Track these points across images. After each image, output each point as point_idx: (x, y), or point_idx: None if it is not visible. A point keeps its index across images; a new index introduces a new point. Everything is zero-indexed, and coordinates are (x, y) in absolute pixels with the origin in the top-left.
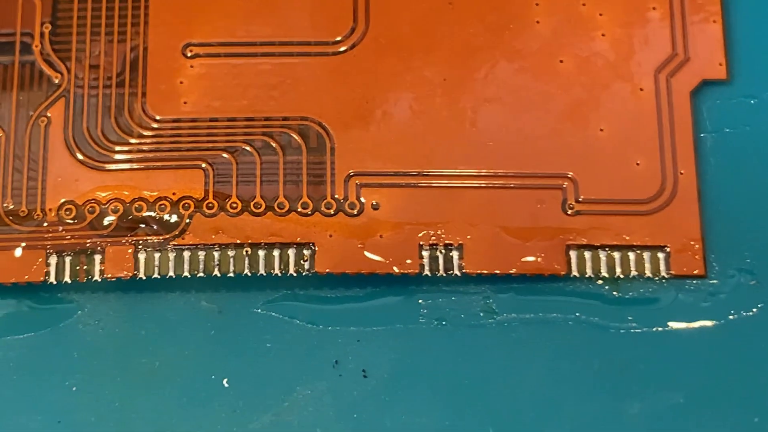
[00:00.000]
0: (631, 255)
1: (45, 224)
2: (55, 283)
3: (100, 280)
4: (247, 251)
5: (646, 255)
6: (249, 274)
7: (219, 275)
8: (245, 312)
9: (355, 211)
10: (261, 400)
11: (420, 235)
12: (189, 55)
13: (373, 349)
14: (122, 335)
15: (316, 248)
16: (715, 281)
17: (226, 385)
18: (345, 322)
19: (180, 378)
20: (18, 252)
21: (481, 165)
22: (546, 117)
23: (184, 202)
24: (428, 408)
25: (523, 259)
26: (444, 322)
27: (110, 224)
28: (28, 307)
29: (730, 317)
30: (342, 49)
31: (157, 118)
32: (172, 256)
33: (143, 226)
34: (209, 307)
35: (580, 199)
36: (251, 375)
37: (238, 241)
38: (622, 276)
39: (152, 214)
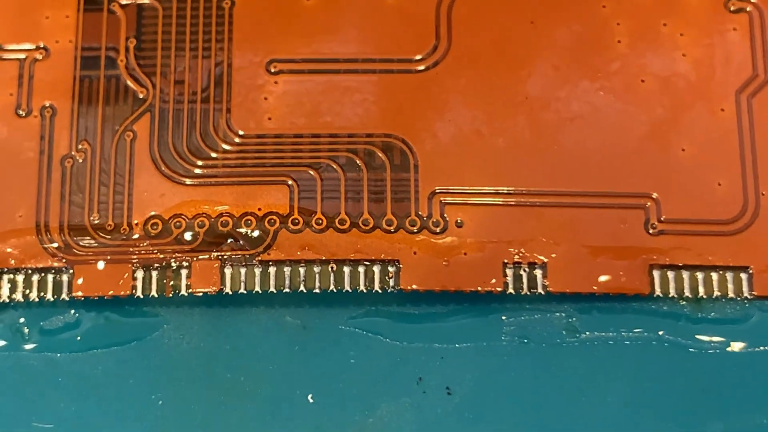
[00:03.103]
0: (714, 275)
1: (132, 238)
2: (141, 297)
3: (186, 294)
4: (332, 267)
5: (728, 275)
6: (335, 290)
7: (305, 291)
8: (329, 328)
9: (439, 229)
10: (345, 416)
11: (504, 253)
12: (273, 71)
13: (456, 366)
14: (207, 349)
15: (401, 265)
16: None
17: (311, 400)
18: (428, 339)
19: (265, 393)
20: (102, 266)
21: (564, 184)
22: (628, 136)
23: (269, 217)
24: (512, 426)
25: (605, 278)
26: (527, 340)
27: (196, 239)
28: (114, 321)
29: None
30: (424, 66)
31: (242, 133)
32: (257, 271)
33: (229, 241)
34: (293, 323)
35: (662, 219)
36: (335, 391)
37: (324, 258)
38: (705, 296)
39: (238, 229)
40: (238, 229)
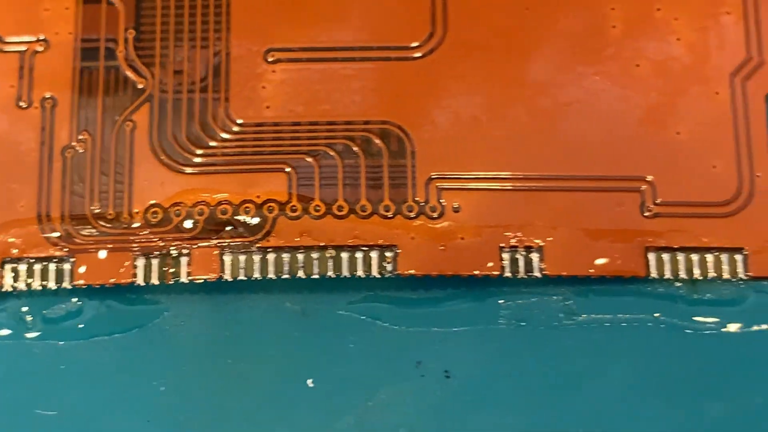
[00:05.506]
0: (709, 257)
1: (133, 227)
2: (143, 285)
3: (186, 281)
4: (330, 253)
5: (723, 257)
6: (333, 275)
7: (304, 277)
8: (328, 313)
9: (436, 214)
10: (345, 400)
11: (501, 237)
12: (271, 60)
13: (455, 350)
14: (207, 336)
15: (399, 250)
16: None
17: (311, 385)
18: (427, 324)
19: (265, 378)
20: (103, 254)
21: (561, 169)
22: (624, 120)
23: (268, 204)
24: (511, 408)
25: (602, 261)
26: (525, 324)
27: (196, 227)
28: (116, 309)
29: None
30: (421, 54)
31: (241, 122)
32: (257, 258)
33: (228, 228)
34: (292, 309)
35: (657, 202)
36: (335, 375)
37: (322, 244)
38: (700, 278)
39: (237, 216)
40: (237, 217)
